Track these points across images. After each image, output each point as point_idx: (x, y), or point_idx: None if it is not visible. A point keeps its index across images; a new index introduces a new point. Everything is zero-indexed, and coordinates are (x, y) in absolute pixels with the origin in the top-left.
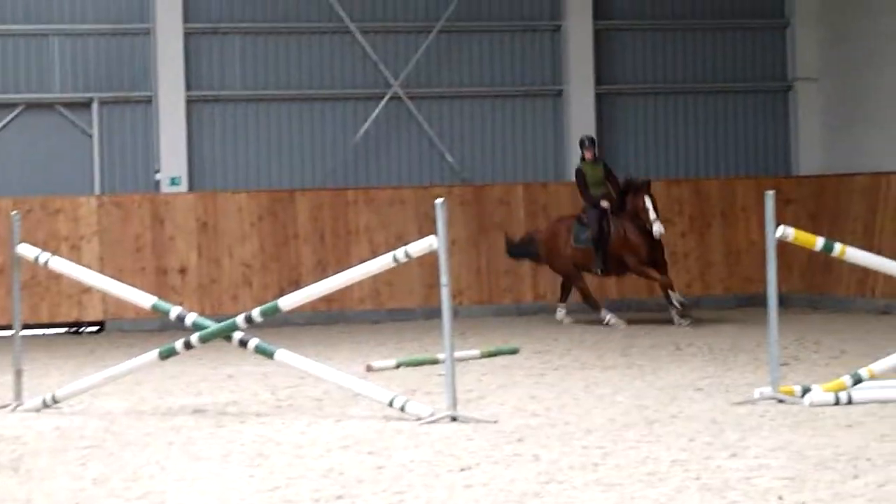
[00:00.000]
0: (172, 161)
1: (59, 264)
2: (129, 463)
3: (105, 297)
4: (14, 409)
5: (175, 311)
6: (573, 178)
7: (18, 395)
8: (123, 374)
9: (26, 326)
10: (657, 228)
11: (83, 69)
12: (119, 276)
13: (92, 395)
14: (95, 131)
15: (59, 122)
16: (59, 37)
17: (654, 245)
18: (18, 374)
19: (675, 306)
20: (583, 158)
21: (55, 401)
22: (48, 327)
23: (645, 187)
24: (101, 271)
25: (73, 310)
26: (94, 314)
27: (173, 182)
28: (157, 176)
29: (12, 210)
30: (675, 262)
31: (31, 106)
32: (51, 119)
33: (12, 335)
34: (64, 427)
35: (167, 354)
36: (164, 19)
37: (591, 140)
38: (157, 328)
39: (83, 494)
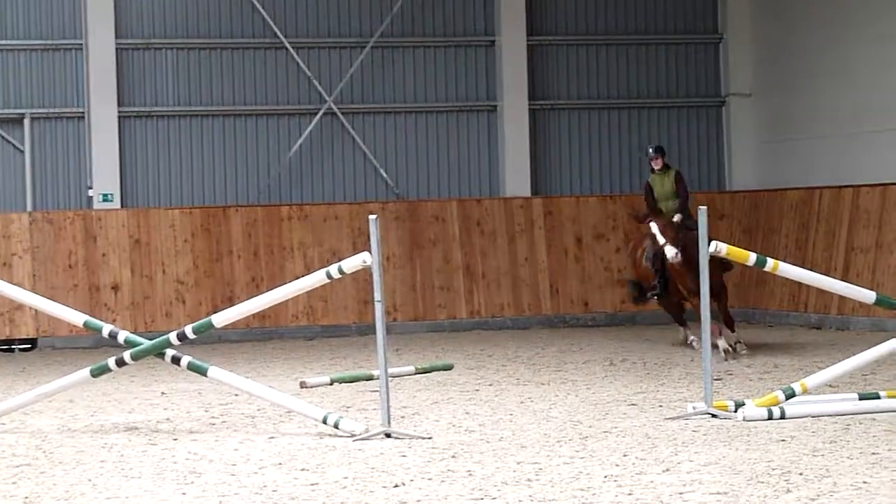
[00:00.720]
0: (105, 177)
1: None
2: (61, 481)
3: (37, 314)
4: None
5: (107, 329)
6: (506, 194)
7: None
8: (55, 391)
9: None
10: (669, 253)
11: (14, 85)
12: (51, 293)
13: (23, 412)
14: (27, 147)
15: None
16: None
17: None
18: None
19: (721, 352)
20: (652, 170)
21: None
22: None
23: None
24: (34, 288)
25: (5, 327)
26: (27, 331)
27: (105, 198)
28: (90, 192)
29: None
30: (611, 277)
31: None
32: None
33: None
34: None
35: (99, 372)
36: (96, 35)
37: (657, 148)
38: (89, 345)
39: None
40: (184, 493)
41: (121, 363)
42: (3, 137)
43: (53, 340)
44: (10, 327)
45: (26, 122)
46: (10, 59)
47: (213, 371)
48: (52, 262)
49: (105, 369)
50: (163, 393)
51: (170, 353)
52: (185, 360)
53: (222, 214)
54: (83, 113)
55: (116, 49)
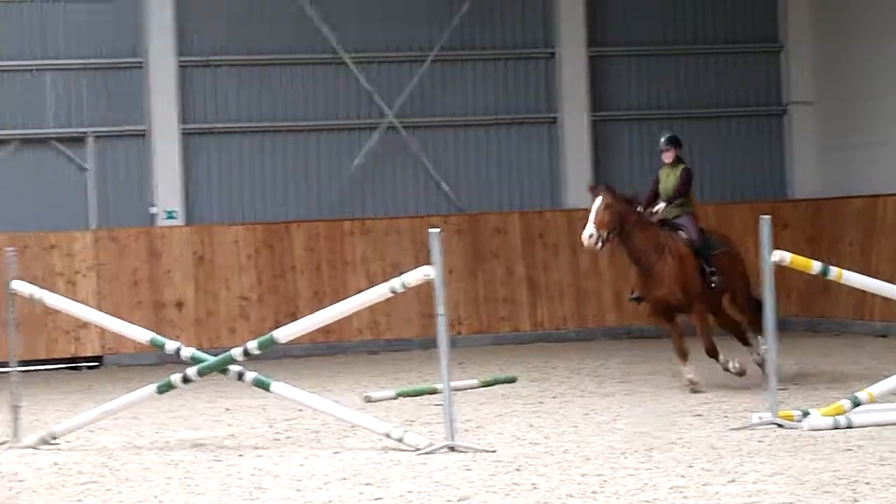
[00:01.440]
0: (168, 194)
1: (54, 300)
2: (127, 498)
3: (103, 332)
4: (11, 446)
5: (172, 346)
6: (567, 205)
7: (16, 431)
8: (121, 409)
9: (23, 363)
10: (584, 234)
11: (77, 104)
12: (116, 310)
13: (90, 430)
14: (90, 166)
15: (54, 158)
16: (52, 72)
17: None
18: (16, 410)
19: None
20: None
21: (53, 437)
22: (46, 363)
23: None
24: (98, 306)
25: (71, 345)
26: (92, 349)
27: (169, 216)
28: (153, 210)
29: (7, 246)
30: None
31: (26, 142)
32: (45, 154)
33: (9, 371)
34: (62, 463)
35: (165, 389)
36: (157, 53)
37: (670, 139)
38: (154, 362)
39: None
40: None
41: (186, 380)
42: (66, 157)
43: (119, 358)
44: (75, 345)
45: (89, 140)
46: (72, 79)
47: (278, 386)
48: (117, 279)
49: (170, 386)
50: (227, 409)
51: (234, 368)
52: (249, 375)
53: (285, 230)
54: (146, 131)
55: (178, 66)
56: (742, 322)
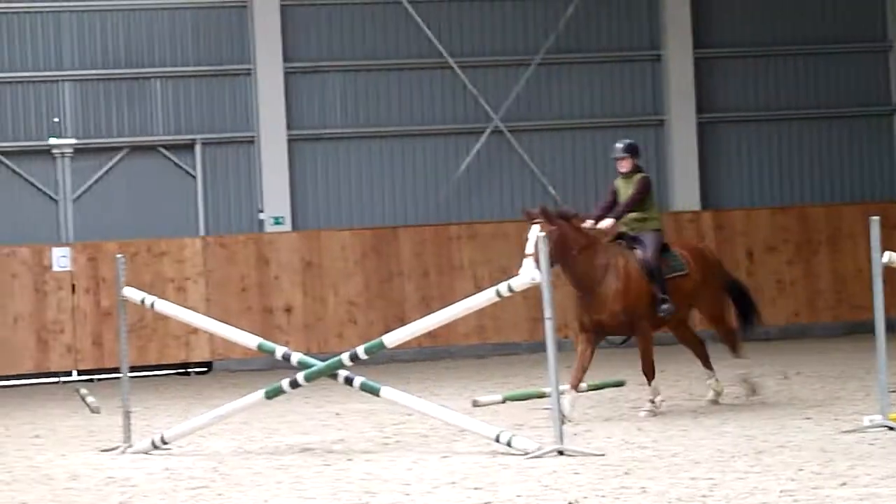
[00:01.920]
0: (275, 201)
1: (165, 307)
2: (237, 503)
3: (212, 337)
4: (124, 451)
5: (281, 351)
6: (675, 208)
7: (128, 437)
8: (231, 414)
9: (135, 368)
10: (522, 273)
11: (185, 111)
12: (225, 316)
13: (200, 435)
14: (199, 173)
15: (163, 165)
16: (160, 79)
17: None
18: (127, 416)
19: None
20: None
21: (164, 442)
22: (156, 369)
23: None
24: (208, 312)
25: (181, 351)
26: (202, 355)
27: (277, 222)
28: (261, 216)
29: (118, 253)
30: (783, 290)
31: (135, 149)
32: (154, 161)
33: (121, 377)
34: (173, 468)
35: (274, 394)
36: (265, 60)
37: (628, 147)
38: (263, 367)
39: None
40: None
41: (294, 385)
42: (175, 163)
43: (228, 363)
44: (185, 351)
45: (197, 147)
46: (180, 86)
47: (386, 391)
48: (226, 285)
49: (279, 391)
50: (336, 413)
51: (343, 373)
52: (357, 380)
53: (392, 235)
54: (253, 137)
55: (285, 73)
56: (717, 338)
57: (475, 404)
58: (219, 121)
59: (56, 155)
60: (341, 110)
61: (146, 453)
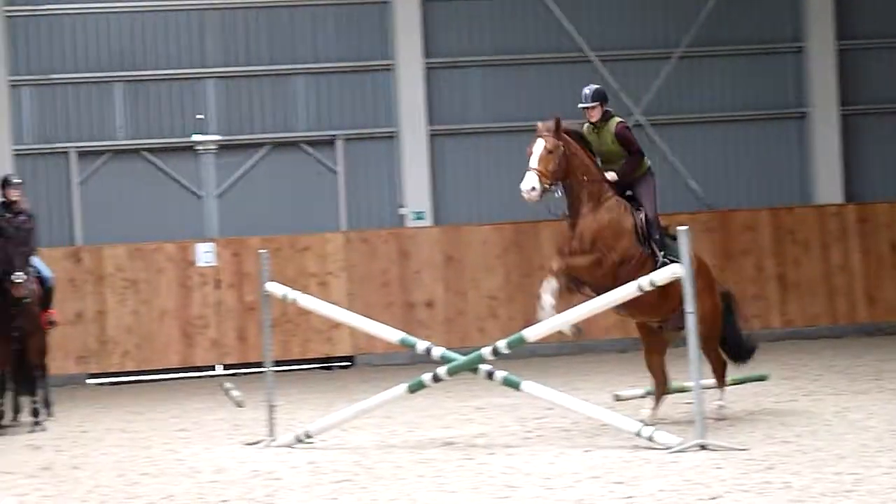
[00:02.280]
0: (416, 195)
1: (307, 301)
2: (381, 496)
3: (354, 332)
4: (268, 445)
5: (422, 345)
6: (818, 201)
7: (272, 430)
8: (373, 408)
9: (278, 363)
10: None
11: (327, 107)
12: (367, 311)
13: (343, 429)
14: (340, 168)
15: (305, 161)
16: (302, 76)
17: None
18: (271, 410)
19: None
20: (590, 122)
21: (308, 436)
22: (299, 363)
23: None
24: (350, 307)
25: (324, 346)
26: (344, 349)
27: (418, 216)
28: (402, 211)
29: (261, 249)
30: None
31: (278, 145)
32: (296, 157)
33: (265, 371)
34: (317, 461)
35: (416, 388)
36: (405, 55)
37: (594, 93)
38: (405, 362)
39: None
40: None
41: (436, 379)
42: (316, 159)
43: (370, 358)
44: (328, 345)
45: (339, 143)
46: (322, 82)
47: (527, 385)
48: (368, 280)
49: (421, 385)
50: (478, 408)
51: (484, 368)
52: (498, 374)
53: (532, 229)
54: (394, 132)
55: (426, 68)
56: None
57: (617, 398)
58: (360, 116)
59: (200, 152)
60: (482, 105)
61: (290, 447)
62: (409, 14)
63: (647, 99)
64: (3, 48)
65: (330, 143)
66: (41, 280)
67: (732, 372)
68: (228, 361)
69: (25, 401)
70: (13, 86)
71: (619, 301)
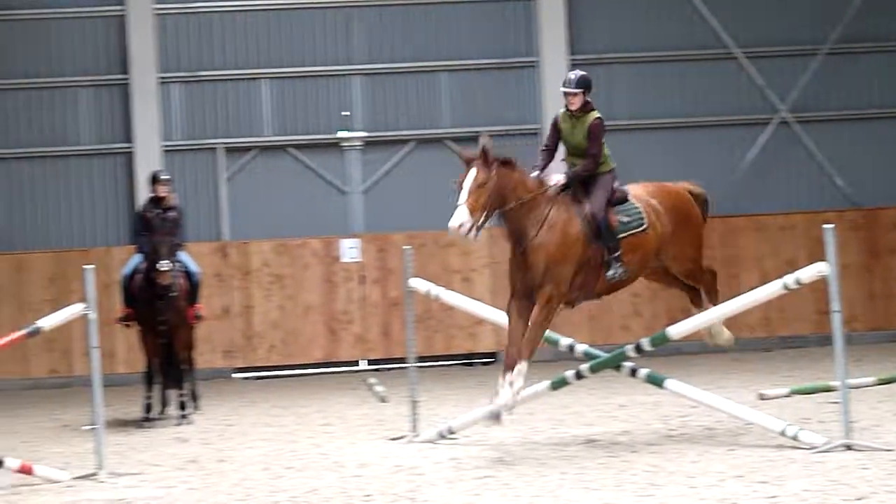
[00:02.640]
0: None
1: (451, 297)
2: (524, 493)
3: (497, 328)
4: (411, 440)
5: (566, 342)
6: None
7: (415, 426)
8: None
9: (421, 358)
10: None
11: (471, 104)
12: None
13: (486, 425)
14: None
15: (449, 157)
16: (447, 73)
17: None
18: (414, 405)
19: None
20: (567, 110)
21: (451, 432)
22: (442, 359)
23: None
24: (493, 303)
25: (466, 342)
26: (487, 346)
27: None
28: None
29: (405, 244)
30: None
31: (422, 141)
32: (440, 154)
33: (408, 367)
34: (459, 457)
35: (559, 385)
36: (550, 52)
37: (579, 80)
38: (548, 359)
39: None
40: None
41: (579, 376)
42: (458, 155)
43: None
44: (471, 342)
45: (482, 140)
46: (466, 79)
47: (671, 383)
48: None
49: (564, 382)
50: (621, 405)
51: (627, 365)
52: (642, 372)
53: None
54: (538, 129)
55: (570, 65)
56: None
57: (761, 397)
58: (504, 113)
59: (345, 148)
60: (626, 101)
61: (433, 442)
62: (554, 11)
63: (793, 96)
64: (154, 46)
65: (474, 139)
66: (188, 275)
67: (881, 371)
68: (372, 357)
69: (173, 394)
70: (163, 83)
71: (764, 300)
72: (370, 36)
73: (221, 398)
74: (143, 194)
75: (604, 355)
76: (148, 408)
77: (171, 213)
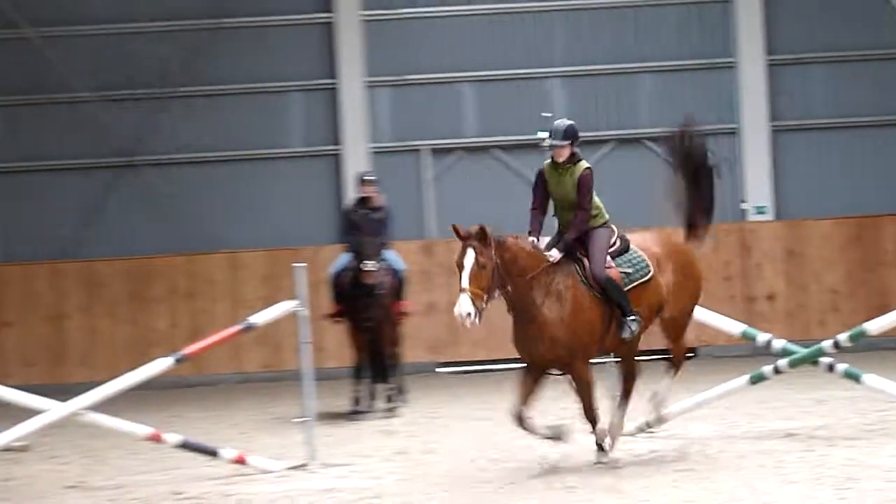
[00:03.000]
0: (758, 190)
1: None
2: (722, 485)
3: (697, 324)
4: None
5: (763, 338)
6: None
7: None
8: (715, 398)
9: None
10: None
11: (669, 105)
12: (709, 303)
13: (685, 419)
14: None
15: (648, 157)
16: (646, 74)
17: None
18: (613, 400)
19: None
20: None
21: (650, 426)
22: (642, 355)
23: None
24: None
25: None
26: (687, 341)
27: (759, 211)
28: (744, 205)
29: None
30: None
31: (621, 141)
32: (639, 154)
33: (605, 363)
34: (659, 450)
35: (757, 380)
36: (747, 52)
37: (567, 131)
38: (746, 354)
39: None
40: (841, 499)
41: (777, 371)
42: (658, 155)
43: (712, 349)
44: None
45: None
46: (665, 80)
47: (869, 378)
48: (710, 273)
49: (762, 377)
50: (818, 400)
51: (824, 360)
52: (839, 367)
53: (875, 224)
54: (735, 128)
55: (767, 65)
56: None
57: None
58: (702, 113)
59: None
60: (824, 100)
61: (632, 436)
62: (751, 12)
63: None
64: (361, 51)
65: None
66: (394, 272)
67: None
68: None
69: (380, 388)
70: (370, 87)
71: None
72: (570, 39)
73: (427, 392)
74: (350, 194)
75: (801, 351)
76: (357, 401)
77: (378, 213)
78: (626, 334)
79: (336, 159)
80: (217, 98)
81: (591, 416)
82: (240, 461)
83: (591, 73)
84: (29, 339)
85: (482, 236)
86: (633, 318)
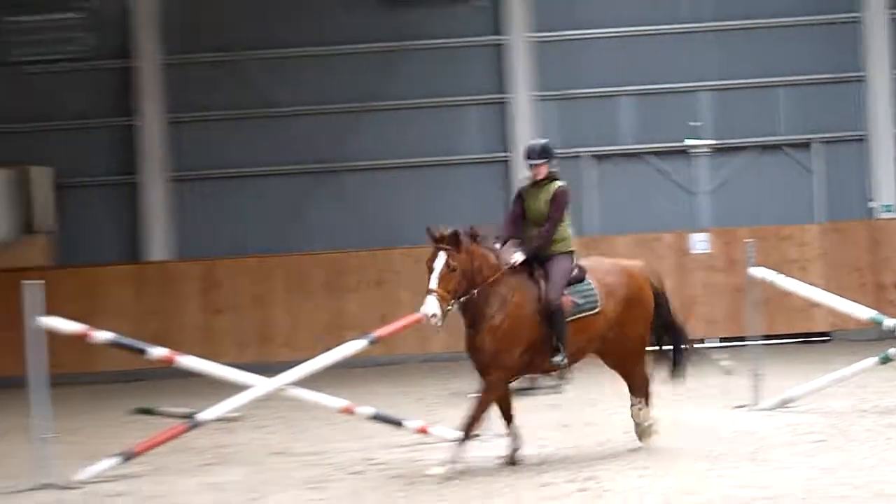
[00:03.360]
0: (885, 191)
1: (788, 283)
2: (853, 457)
3: (831, 310)
4: (751, 409)
5: (890, 322)
6: None
7: (756, 396)
8: (847, 377)
9: (764, 337)
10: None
11: (805, 114)
12: (841, 291)
13: (820, 395)
14: (815, 168)
15: (785, 162)
16: (783, 87)
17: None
18: (757, 378)
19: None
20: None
21: (788, 401)
22: (781, 338)
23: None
24: (826, 288)
25: (804, 322)
26: (822, 326)
27: (887, 209)
28: (872, 204)
29: (747, 238)
30: None
31: (762, 148)
32: (778, 159)
33: (752, 345)
34: (795, 424)
35: (884, 360)
36: (874, 67)
37: (543, 150)
38: (875, 338)
39: (814, 482)
40: None
41: None
42: (795, 160)
43: (845, 333)
44: (808, 322)
45: (815, 146)
46: (801, 92)
47: None
48: (842, 265)
49: (888, 359)
50: None
51: None
52: None
53: None
54: (864, 136)
55: (892, 78)
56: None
57: None
58: (833, 122)
59: (693, 154)
60: None
61: (771, 410)
62: (879, 29)
63: None
64: (529, 69)
65: (806, 146)
66: None
67: None
68: (721, 335)
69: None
70: (537, 100)
71: None
72: (718, 56)
73: (585, 372)
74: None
75: None
76: (532, 379)
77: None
78: (556, 360)
79: (506, 166)
80: (403, 112)
81: (472, 425)
82: (423, 431)
83: (736, 86)
84: (239, 323)
85: (455, 240)
86: (560, 356)
